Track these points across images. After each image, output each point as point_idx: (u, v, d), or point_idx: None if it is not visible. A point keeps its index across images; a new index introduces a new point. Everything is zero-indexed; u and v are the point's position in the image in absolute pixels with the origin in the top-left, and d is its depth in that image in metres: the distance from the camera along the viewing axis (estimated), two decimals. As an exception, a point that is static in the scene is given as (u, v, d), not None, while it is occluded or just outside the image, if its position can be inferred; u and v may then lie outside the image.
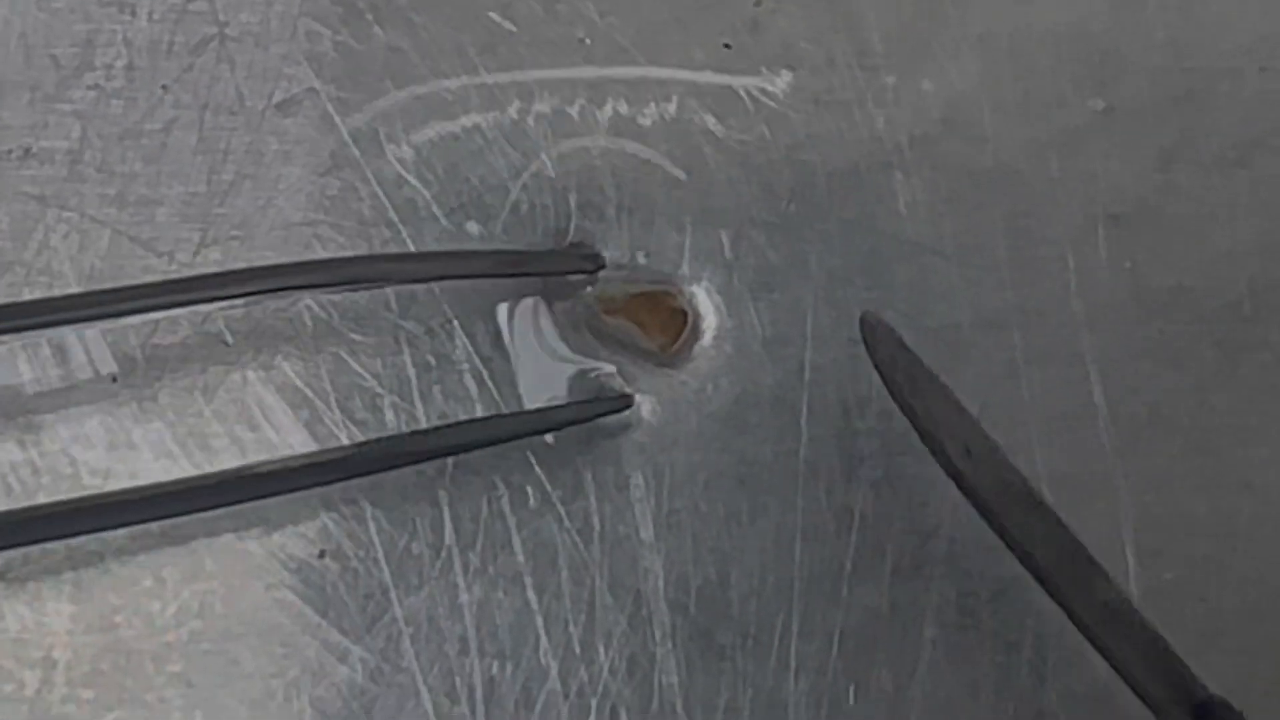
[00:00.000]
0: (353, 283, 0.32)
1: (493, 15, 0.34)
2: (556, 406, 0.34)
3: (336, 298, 0.34)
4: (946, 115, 0.35)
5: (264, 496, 0.32)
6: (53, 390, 0.33)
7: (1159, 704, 0.30)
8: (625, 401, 0.34)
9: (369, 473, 0.32)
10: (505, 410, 0.34)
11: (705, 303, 0.34)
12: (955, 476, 0.31)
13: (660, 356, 0.34)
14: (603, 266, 0.34)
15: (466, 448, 0.33)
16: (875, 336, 0.32)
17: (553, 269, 0.34)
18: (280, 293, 0.31)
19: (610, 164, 0.34)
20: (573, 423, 0.33)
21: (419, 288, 0.34)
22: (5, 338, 0.32)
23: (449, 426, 0.33)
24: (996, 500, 0.30)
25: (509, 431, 0.33)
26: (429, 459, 0.33)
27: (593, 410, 0.34)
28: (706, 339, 0.34)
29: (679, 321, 0.34)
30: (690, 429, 0.34)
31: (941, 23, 0.35)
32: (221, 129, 0.34)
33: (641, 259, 0.34)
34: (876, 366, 0.32)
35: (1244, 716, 0.30)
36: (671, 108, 0.34)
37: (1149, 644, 0.30)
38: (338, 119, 0.34)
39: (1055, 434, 0.34)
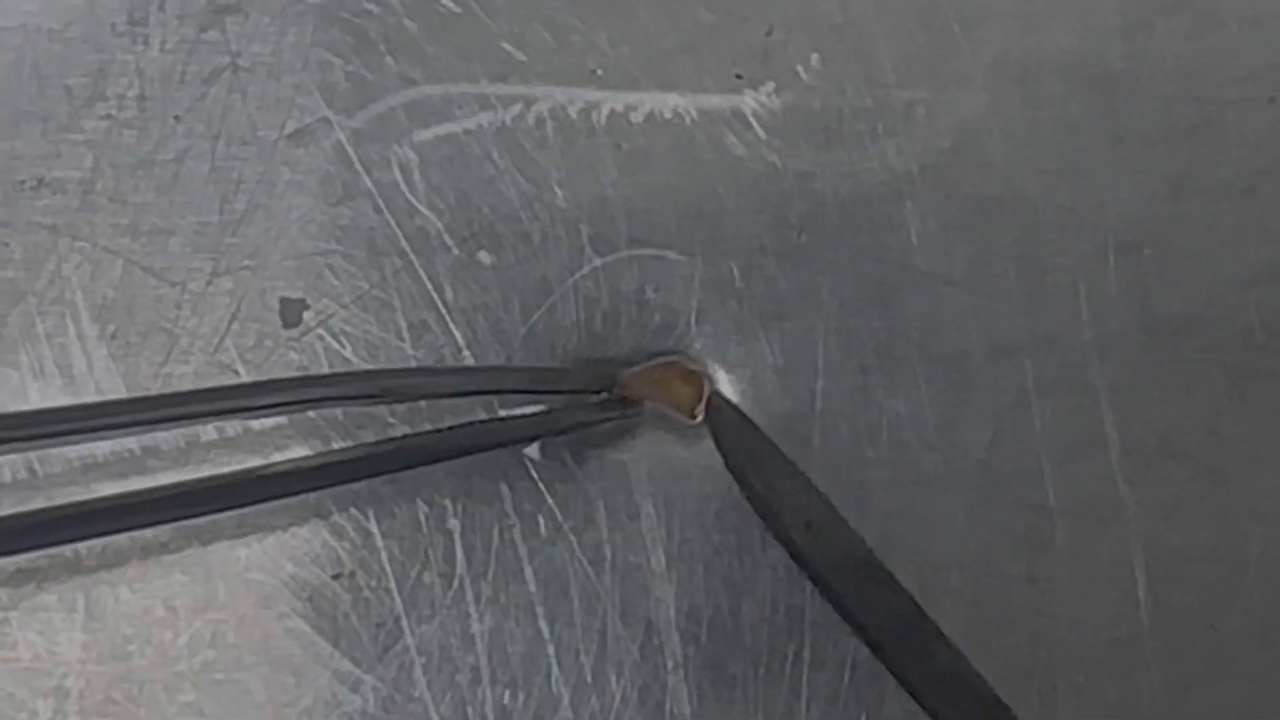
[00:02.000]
0: (381, 396, 0.32)
1: (505, 45, 0.35)
2: (567, 409, 0.33)
3: (349, 326, 0.34)
4: (957, 143, 0.35)
5: (273, 498, 0.32)
6: (65, 419, 0.33)
7: None
8: (636, 407, 0.34)
9: (383, 473, 0.32)
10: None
11: (711, 351, 0.34)
12: (792, 550, 0.31)
13: (696, 422, 0.34)
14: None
15: (476, 449, 0.33)
16: (719, 416, 0.33)
17: (579, 387, 0.33)
18: (308, 406, 0.32)
19: (621, 194, 0.34)
20: (585, 425, 0.33)
21: (431, 317, 0.34)
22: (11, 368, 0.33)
23: (460, 427, 0.33)
24: (834, 573, 0.31)
25: (519, 434, 0.33)
26: (441, 459, 0.33)
27: (604, 414, 0.33)
28: (726, 388, 0.34)
29: (696, 377, 0.34)
30: (702, 459, 0.34)
31: (952, 51, 0.35)
32: (234, 159, 0.34)
33: (650, 293, 0.34)
34: (718, 444, 0.33)
35: None
36: (682, 137, 0.34)
37: (989, 708, 0.30)
38: (350, 149, 0.34)
39: (1066, 462, 0.34)
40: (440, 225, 0.34)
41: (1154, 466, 0.34)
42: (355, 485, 0.33)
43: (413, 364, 0.34)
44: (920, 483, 0.34)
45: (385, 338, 0.34)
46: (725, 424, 0.33)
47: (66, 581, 0.33)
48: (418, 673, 0.33)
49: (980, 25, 0.35)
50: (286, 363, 0.34)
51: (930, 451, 0.34)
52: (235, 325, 0.34)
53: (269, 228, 0.34)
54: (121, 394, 0.33)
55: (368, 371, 0.33)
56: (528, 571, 0.34)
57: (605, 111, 0.34)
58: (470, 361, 0.34)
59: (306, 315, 0.34)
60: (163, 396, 0.32)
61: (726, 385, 0.34)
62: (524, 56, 0.35)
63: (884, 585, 0.32)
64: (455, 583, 0.33)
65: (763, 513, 0.32)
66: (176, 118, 0.34)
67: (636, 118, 0.34)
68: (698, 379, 0.34)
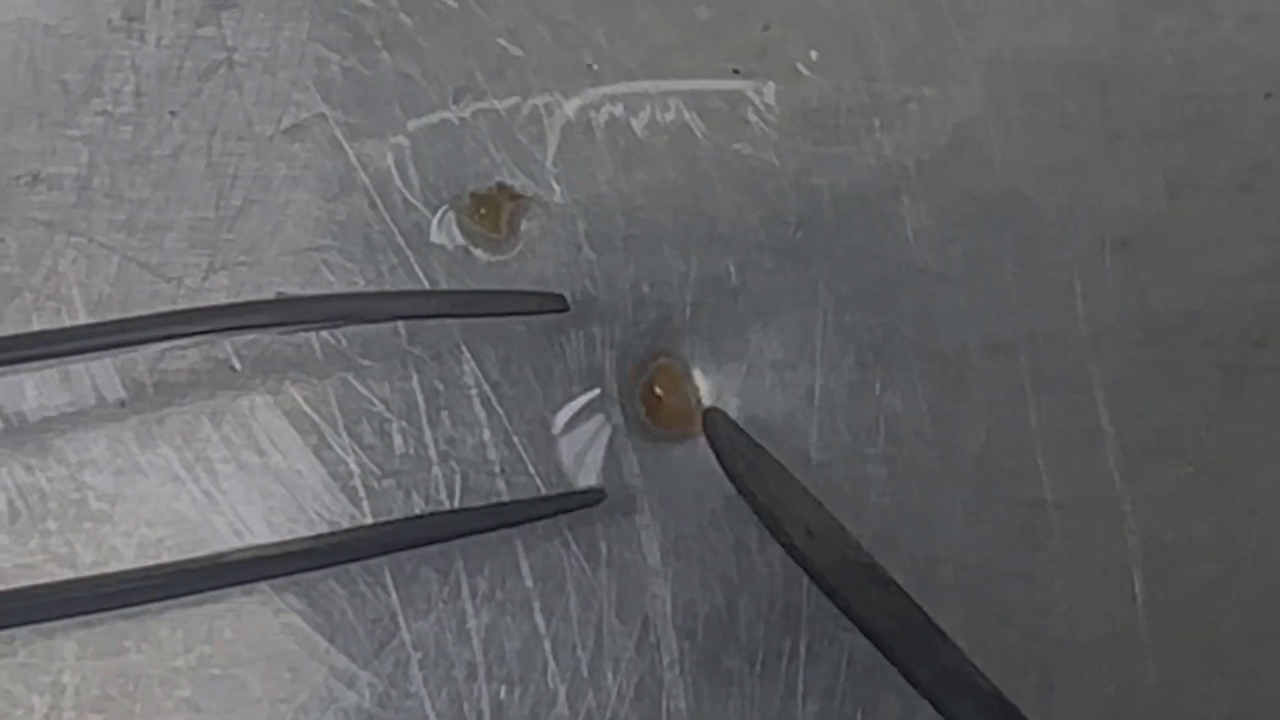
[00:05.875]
0: (317, 322, 0.32)
1: (501, 40, 0.34)
2: (530, 500, 0.33)
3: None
4: (954, 140, 0.35)
5: (244, 582, 0.32)
6: (60, 415, 0.33)
7: None
8: (598, 496, 0.33)
9: (341, 562, 0.33)
10: (512, 429, 0.34)
11: (707, 348, 0.34)
12: (797, 556, 0.31)
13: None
14: (565, 309, 0.33)
15: (439, 539, 0.33)
16: (716, 428, 0.33)
17: (516, 310, 0.33)
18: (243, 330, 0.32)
19: (617, 190, 0.34)
20: (545, 516, 0.33)
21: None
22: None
23: (422, 518, 0.33)
24: (838, 576, 0.31)
25: (477, 525, 0.33)
26: (399, 550, 0.33)
27: (564, 505, 0.33)
28: (721, 385, 0.34)
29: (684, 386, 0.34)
30: (698, 455, 0.34)
31: (949, 47, 0.35)
32: (230, 154, 0.34)
33: (646, 289, 0.34)
34: (718, 456, 0.33)
35: None
36: (679, 133, 0.34)
37: (990, 701, 0.30)
38: (346, 144, 0.34)
39: (1062, 459, 0.34)
40: (436, 221, 0.34)
41: (1151, 463, 0.34)
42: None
43: (410, 359, 0.34)
44: (917, 479, 0.34)
45: (381, 333, 0.34)
46: (722, 437, 0.33)
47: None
48: (414, 668, 0.33)
49: (977, 22, 0.35)
50: (283, 359, 0.34)
51: (927, 448, 0.34)
52: (231, 321, 0.34)
53: (265, 223, 0.34)
54: (118, 392, 0.33)
55: (291, 298, 0.33)
56: (524, 567, 0.34)
57: (602, 108, 0.34)
58: (467, 355, 0.34)
59: (303, 311, 0.34)
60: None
61: (721, 382, 0.34)
62: (520, 51, 0.34)
63: (885, 587, 0.32)
64: (451, 578, 0.33)
65: (766, 522, 0.32)
66: (172, 113, 0.34)
67: (633, 114, 0.34)
68: (686, 389, 0.34)
